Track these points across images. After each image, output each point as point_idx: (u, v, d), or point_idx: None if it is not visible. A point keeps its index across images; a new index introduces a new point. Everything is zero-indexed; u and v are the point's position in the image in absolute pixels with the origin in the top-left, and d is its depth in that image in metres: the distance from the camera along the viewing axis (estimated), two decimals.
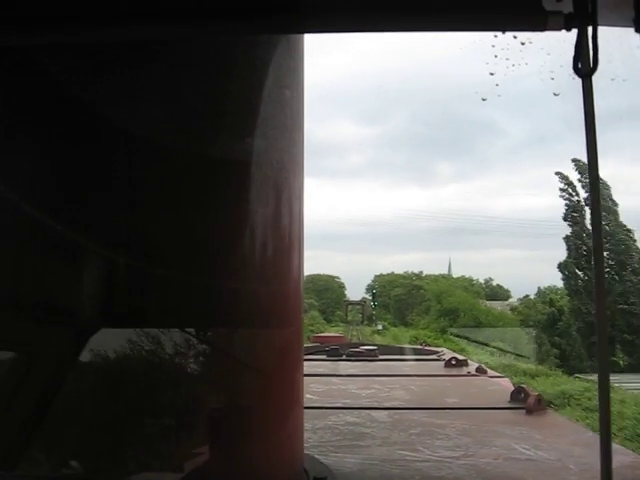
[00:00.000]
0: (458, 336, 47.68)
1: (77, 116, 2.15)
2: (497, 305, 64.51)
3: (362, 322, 66.42)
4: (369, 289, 79.32)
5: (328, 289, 79.49)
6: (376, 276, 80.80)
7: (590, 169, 1.57)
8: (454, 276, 73.95)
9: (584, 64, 1.55)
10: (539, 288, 58.34)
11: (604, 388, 1.79)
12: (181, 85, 2.24)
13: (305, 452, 2.84)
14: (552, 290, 53.83)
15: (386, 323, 67.15)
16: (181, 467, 2.26)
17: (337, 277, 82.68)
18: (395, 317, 74.38)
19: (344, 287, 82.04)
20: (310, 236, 2.80)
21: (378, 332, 57.84)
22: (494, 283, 73.06)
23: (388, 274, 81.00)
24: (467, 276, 73.41)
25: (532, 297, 58.78)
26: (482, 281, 74.06)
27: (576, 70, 1.55)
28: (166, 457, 2.25)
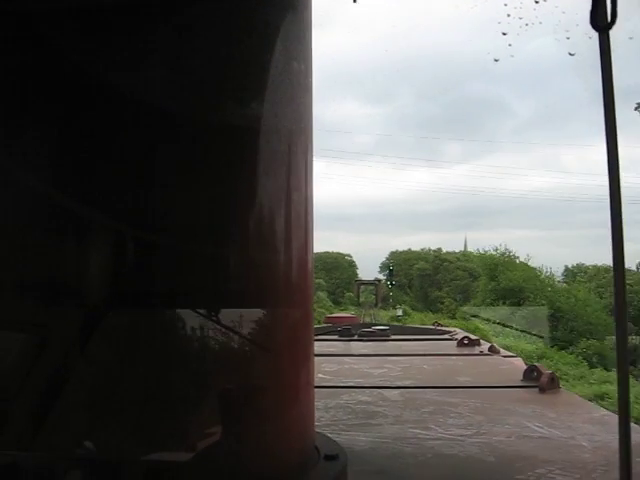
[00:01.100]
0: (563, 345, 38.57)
1: (78, 83, 2.09)
2: None
3: (376, 304, 62.34)
4: (383, 268, 74.15)
5: (338, 267, 74.91)
6: (391, 253, 76.59)
7: (608, 137, 1.51)
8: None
9: (602, 17, 1.48)
10: (566, 267, 57.85)
11: (623, 369, 1.75)
12: (183, 49, 2.18)
13: (317, 430, 2.84)
14: (581, 269, 53.96)
15: (406, 307, 59.10)
16: (193, 445, 2.26)
17: (348, 255, 78.43)
18: (417, 298, 69.35)
19: (355, 266, 77.71)
20: (318, 217, 2.78)
21: (397, 318, 46.66)
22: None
23: (404, 251, 76.43)
24: (487, 253, 67.09)
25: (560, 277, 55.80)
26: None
27: (593, 24, 1.48)
28: (178, 436, 2.24)
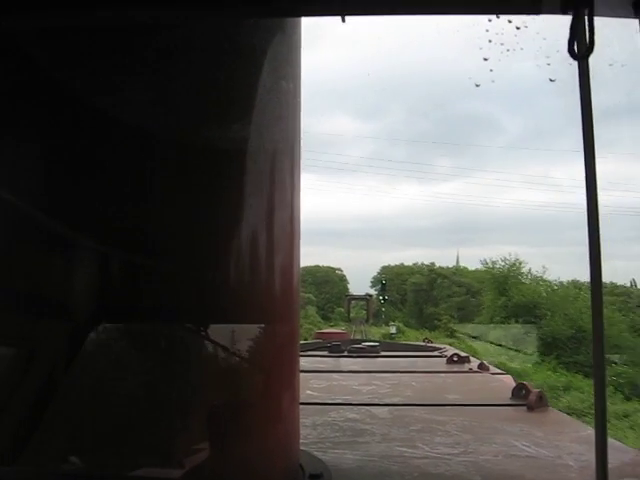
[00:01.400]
0: None
1: (62, 103, 2.11)
2: None
3: (367, 320, 56.57)
4: (375, 282, 70.51)
5: (328, 282, 71.39)
6: (383, 267, 73.25)
7: (586, 156, 1.54)
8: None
9: (580, 46, 1.52)
10: (562, 283, 49.99)
11: (600, 383, 1.77)
12: (166, 72, 2.19)
13: (302, 448, 2.82)
14: (576, 285, 45.45)
15: (399, 323, 54.33)
16: (177, 462, 2.25)
17: (338, 269, 75.16)
18: (410, 314, 65.02)
19: (346, 280, 74.61)
20: (308, 232, 2.81)
21: (391, 336, 40.98)
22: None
23: (397, 266, 73.04)
24: (481, 269, 62.34)
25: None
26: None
27: (571, 52, 1.52)
28: (162, 452, 2.23)
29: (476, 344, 38.08)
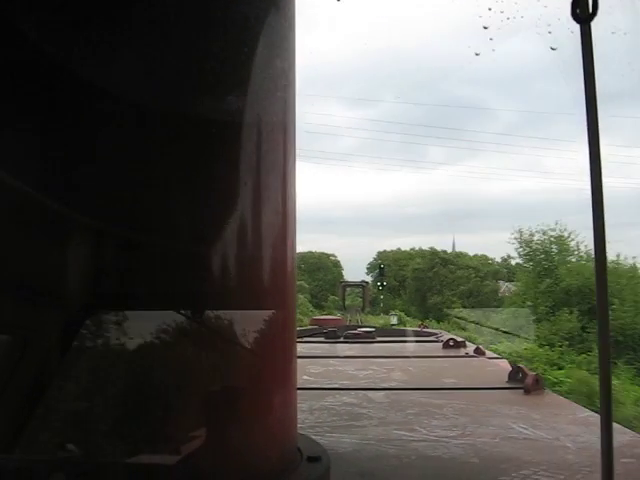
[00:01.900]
0: None
1: (54, 79, 2.05)
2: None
3: (363, 309, 51.98)
4: (371, 269, 66.54)
5: (321, 268, 66.79)
6: (379, 253, 68.41)
7: (589, 125, 1.51)
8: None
9: (583, 10, 1.48)
10: (618, 262, 42.76)
11: (606, 369, 1.76)
12: (158, 43, 2.14)
13: (301, 432, 2.83)
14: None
15: (399, 312, 48.53)
16: (174, 447, 2.24)
17: (332, 255, 70.26)
18: (410, 302, 59.27)
19: (340, 266, 69.94)
20: (303, 220, 2.76)
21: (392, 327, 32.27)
22: (513, 262, 52.44)
23: (394, 251, 67.86)
24: (480, 254, 60.36)
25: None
26: (499, 260, 60.12)
27: (574, 16, 1.48)
28: (158, 437, 2.22)
29: (517, 344, 28.29)
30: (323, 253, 69.04)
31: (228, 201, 2.30)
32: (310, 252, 65.78)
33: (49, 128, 2.11)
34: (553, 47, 1.71)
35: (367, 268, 68.14)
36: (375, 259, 67.86)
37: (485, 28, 1.94)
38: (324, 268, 67.51)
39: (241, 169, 2.33)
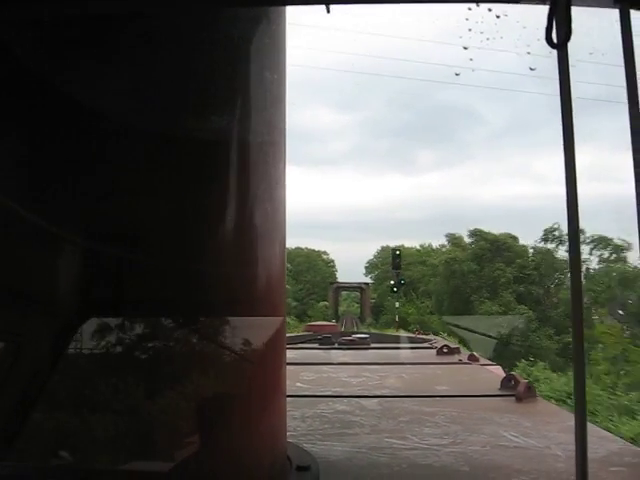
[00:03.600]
0: None
1: (43, 97, 2.07)
2: None
3: (361, 318, 43.50)
4: (370, 269, 54.02)
5: (310, 269, 54.59)
6: (381, 249, 54.00)
7: (566, 143, 1.53)
8: None
9: (559, 34, 1.51)
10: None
11: (580, 375, 1.77)
12: (146, 62, 2.16)
13: (290, 441, 2.82)
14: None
15: (442, 333, 26.78)
16: (164, 455, 2.24)
17: (324, 252, 57.96)
18: (439, 310, 42.35)
19: (333, 266, 58.01)
20: (293, 225, 2.69)
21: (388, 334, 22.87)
22: None
23: (397, 247, 49.02)
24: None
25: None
26: None
27: (549, 41, 1.51)
28: (150, 445, 2.22)
29: None
30: (312, 250, 57.20)
31: (219, 214, 2.31)
32: (298, 249, 54.59)
33: (35, 141, 2.12)
34: (532, 67, 1.73)
35: (366, 267, 55.75)
36: (375, 257, 55.57)
37: (465, 49, 1.97)
38: (314, 268, 55.89)
39: (230, 183, 2.36)
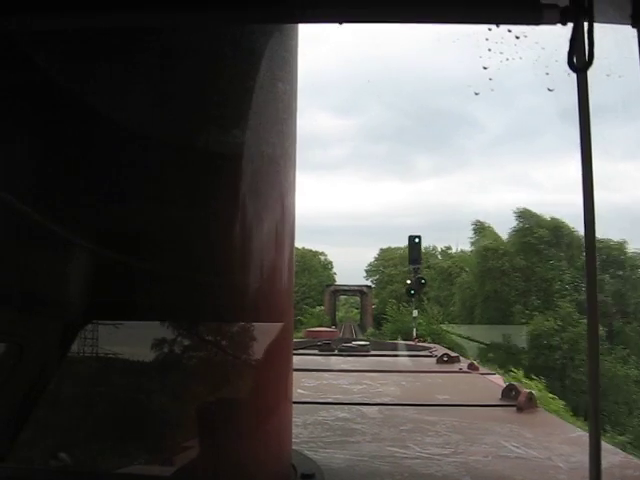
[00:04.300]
0: None
1: (62, 105, 2.10)
2: None
3: (363, 326, 38.60)
4: (371, 272, 48.47)
5: (305, 270, 48.32)
6: (382, 251, 49.07)
7: (584, 166, 1.55)
8: None
9: (579, 58, 1.52)
10: None
11: (595, 387, 1.77)
12: (168, 75, 2.20)
13: (294, 448, 2.83)
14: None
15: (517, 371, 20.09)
16: (169, 460, 2.25)
17: (322, 253, 53.42)
18: (467, 317, 32.79)
19: (331, 268, 53.44)
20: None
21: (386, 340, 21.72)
22: None
23: (403, 248, 40.25)
24: None
25: None
26: None
27: (571, 64, 1.52)
28: (154, 450, 2.23)
29: None
30: (309, 250, 51.22)
31: (228, 221, 2.33)
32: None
33: (52, 149, 2.15)
34: (550, 88, 1.75)
35: (366, 271, 49.90)
36: (376, 259, 50.15)
37: (485, 69, 1.98)
38: (310, 270, 50.41)
39: (241, 191, 2.38)
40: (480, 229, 35.26)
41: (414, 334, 24.17)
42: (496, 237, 33.61)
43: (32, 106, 2.10)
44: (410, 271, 28.60)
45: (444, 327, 30.39)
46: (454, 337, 28.14)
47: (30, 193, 2.14)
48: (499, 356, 25.47)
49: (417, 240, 28.02)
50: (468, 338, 27.33)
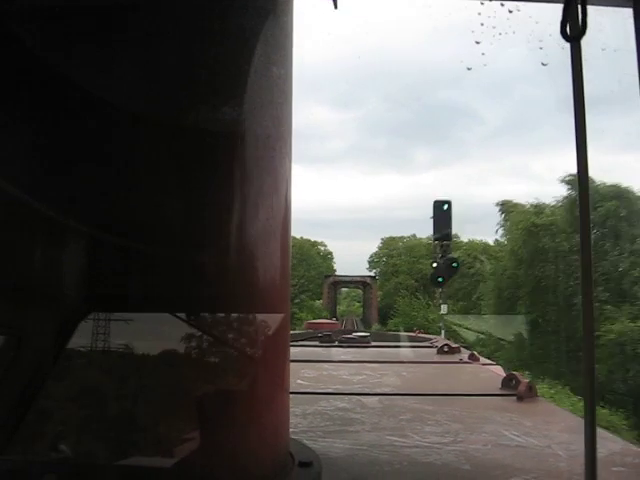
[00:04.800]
0: None
1: (49, 84, 2.07)
2: None
3: (367, 321, 34.71)
4: (374, 264, 45.93)
5: (304, 261, 45.62)
6: (384, 241, 46.93)
7: (578, 139, 1.52)
8: None
9: (573, 27, 1.50)
10: None
11: (590, 375, 1.77)
12: (154, 52, 2.15)
13: (293, 437, 2.83)
14: None
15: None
16: (166, 451, 2.24)
17: (321, 243, 50.71)
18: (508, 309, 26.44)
19: (331, 259, 50.68)
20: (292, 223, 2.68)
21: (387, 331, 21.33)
22: None
23: (407, 238, 44.40)
24: None
25: None
26: None
27: (564, 34, 1.50)
28: (152, 441, 2.22)
29: None
30: (307, 240, 48.09)
31: (223, 207, 2.30)
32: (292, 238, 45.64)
33: (41, 132, 2.12)
34: (544, 63, 1.73)
35: (369, 262, 46.67)
36: (380, 248, 47.17)
37: (477, 43, 1.96)
38: (308, 260, 47.06)
39: (235, 176, 2.34)
40: (510, 209, 29.95)
41: (442, 332, 20.03)
42: (539, 213, 27.09)
43: (23, 88, 2.08)
44: (435, 250, 21.78)
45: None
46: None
47: (23, 180, 2.11)
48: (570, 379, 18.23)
49: (446, 207, 19.84)
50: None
